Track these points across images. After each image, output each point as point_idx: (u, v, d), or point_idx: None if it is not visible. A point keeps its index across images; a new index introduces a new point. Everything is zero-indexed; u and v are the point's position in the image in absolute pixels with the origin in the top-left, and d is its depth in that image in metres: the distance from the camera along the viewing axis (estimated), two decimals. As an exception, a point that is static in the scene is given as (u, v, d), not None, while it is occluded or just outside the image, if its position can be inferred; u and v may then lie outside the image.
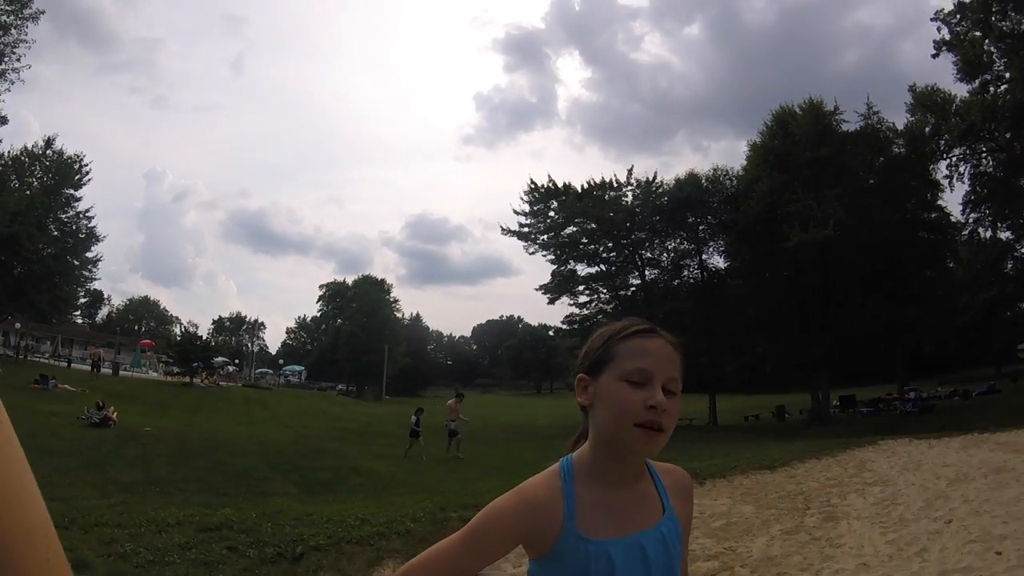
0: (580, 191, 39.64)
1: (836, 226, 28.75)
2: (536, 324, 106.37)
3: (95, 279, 46.59)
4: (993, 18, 30.18)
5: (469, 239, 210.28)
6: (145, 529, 6.04)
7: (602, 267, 41.17)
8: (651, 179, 39.29)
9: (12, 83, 27.78)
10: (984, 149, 33.51)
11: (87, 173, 40.99)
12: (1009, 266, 38.74)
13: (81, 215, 41.35)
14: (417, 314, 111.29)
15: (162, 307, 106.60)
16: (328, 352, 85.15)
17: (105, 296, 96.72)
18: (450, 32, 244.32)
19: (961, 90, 33.05)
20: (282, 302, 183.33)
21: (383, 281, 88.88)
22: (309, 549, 5.71)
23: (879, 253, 30.37)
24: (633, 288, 41.78)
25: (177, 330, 78.74)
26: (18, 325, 45.73)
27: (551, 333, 65.50)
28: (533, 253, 41.79)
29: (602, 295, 41.76)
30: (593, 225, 39.22)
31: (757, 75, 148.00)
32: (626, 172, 40.23)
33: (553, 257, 41.21)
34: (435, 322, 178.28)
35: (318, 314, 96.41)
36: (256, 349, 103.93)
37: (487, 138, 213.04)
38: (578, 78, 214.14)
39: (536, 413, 39.60)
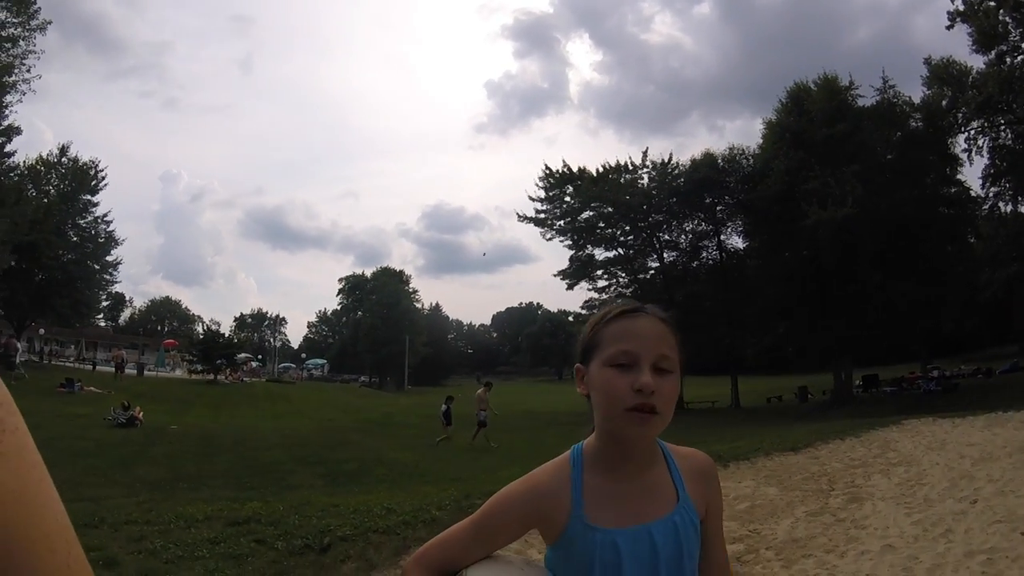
0: (595, 175, 39.53)
1: (855, 203, 28.41)
2: (555, 310, 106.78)
3: (116, 282, 47.01)
4: (1007, -13, 29.52)
5: (486, 227, 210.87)
6: (173, 525, 6.11)
7: (620, 251, 41.06)
8: (666, 161, 39.03)
9: (24, 94, 27.98)
10: (1003, 121, 32.69)
11: (103, 178, 41.41)
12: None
13: (99, 220, 41.73)
14: (436, 304, 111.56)
15: (184, 307, 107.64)
16: (349, 345, 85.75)
17: (127, 298, 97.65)
18: (458, 20, 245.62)
19: (977, 61, 32.19)
20: (302, 297, 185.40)
21: (402, 272, 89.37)
22: (336, 540, 5.76)
23: (898, 230, 29.92)
24: (652, 271, 41.67)
25: (199, 329, 79.44)
26: (42, 331, 46.39)
27: (571, 319, 65.34)
28: (550, 239, 41.91)
29: (620, 279, 41.61)
30: (609, 209, 39.09)
31: (770, 52, 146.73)
32: (641, 154, 40.16)
33: (570, 242, 41.20)
34: (455, 311, 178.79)
35: (338, 307, 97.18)
36: (278, 344, 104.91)
37: (500, 126, 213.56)
38: (589, 61, 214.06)
39: (557, 400, 39.54)
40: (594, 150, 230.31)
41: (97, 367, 40.87)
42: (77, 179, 40.02)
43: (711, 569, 1.25)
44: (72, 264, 39.88)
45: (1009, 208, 35.66)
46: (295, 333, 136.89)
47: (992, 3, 30.33)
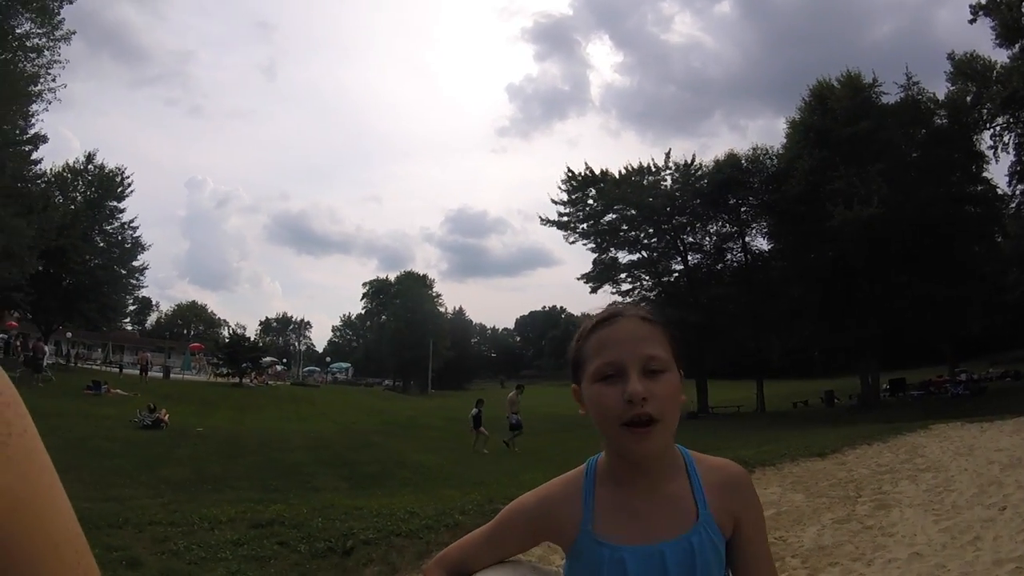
0: (618, 177, 39.40)
1: (880, 203, 28.02)
2: (579, 314, 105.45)
3: (143, 287, 47.97)
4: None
5: (509, 231, 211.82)
6: (197, 526, 6.16)
7: (643, 254, 40.83)
8: (689, 162, 38.93)
9: (50, 103, 28.30)
10: (1028, 117, 32.16)
11: (129, 185, 42.13)
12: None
13: (126, 226, 42.43)
14: (460, 308, 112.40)
15: (210, 311, 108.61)
16: (373, 348, 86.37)
17: (154, 303, 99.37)
18: (479, 24, 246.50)
19: (1001, 55, 31.52)
20: (327, 301, 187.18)
21: (425, 276, 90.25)
22: (359, 543, 5.78)
23: (924, 230, 29.43)
24: (676, 274, 41.38)
25: (225, 332, 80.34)
26: (69, 334, 47.14)
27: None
28: (573, 242, 41.71)
29: (645, 282, 41.42)
30: (633, 211, 38.94)
31: (791, 50, 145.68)
32: (664, 156, 40.00)
33: (594, 245, 41.08)
34: (478, 315, 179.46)
35: (363, 311, 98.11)
36: (303, 348, 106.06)
37: (522, 129, 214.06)
38: (610, 63, 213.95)
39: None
40: (616, 152, 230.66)
41: (124, 370, 41.45)
42: (103, 186, 40.80)
43: None
44: (99, 269, 40.59)
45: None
46: (320, 337, 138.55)
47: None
